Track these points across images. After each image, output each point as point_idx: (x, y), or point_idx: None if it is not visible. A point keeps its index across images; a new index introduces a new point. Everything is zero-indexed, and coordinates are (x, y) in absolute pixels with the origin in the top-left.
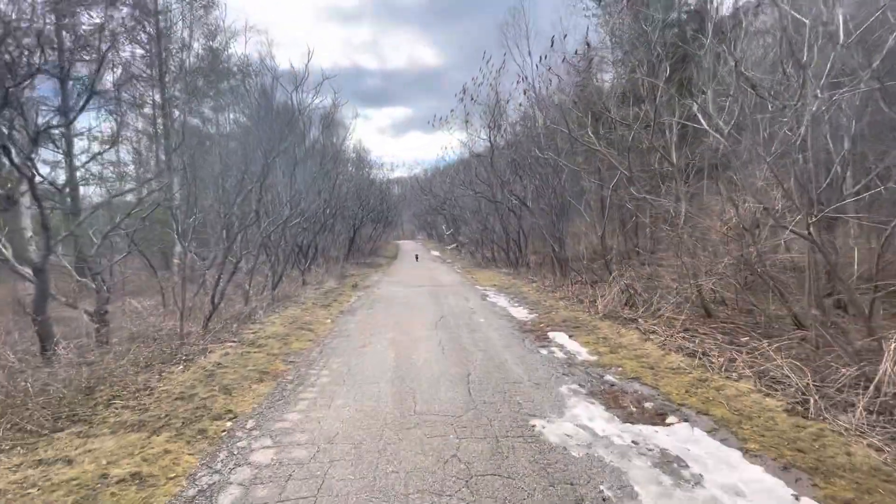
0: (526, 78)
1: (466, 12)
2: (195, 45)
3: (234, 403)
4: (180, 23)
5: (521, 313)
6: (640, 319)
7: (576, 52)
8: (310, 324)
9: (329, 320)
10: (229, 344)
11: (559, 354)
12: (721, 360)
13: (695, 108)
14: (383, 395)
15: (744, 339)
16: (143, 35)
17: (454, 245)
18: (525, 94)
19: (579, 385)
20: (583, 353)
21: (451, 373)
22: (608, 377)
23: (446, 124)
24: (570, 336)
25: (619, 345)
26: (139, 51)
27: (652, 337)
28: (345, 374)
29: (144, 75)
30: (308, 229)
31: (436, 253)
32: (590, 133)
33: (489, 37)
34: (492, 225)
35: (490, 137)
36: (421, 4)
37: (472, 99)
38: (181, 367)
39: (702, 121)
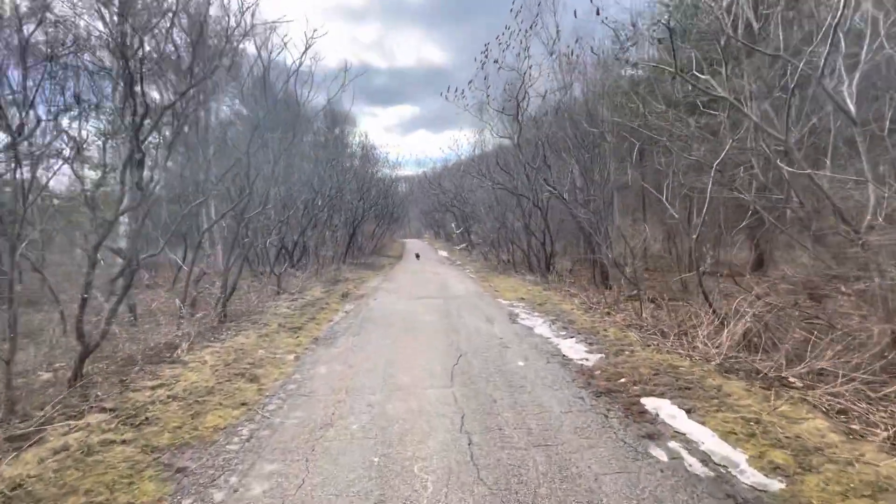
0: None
1: (473, 13)
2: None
3: None
4: None
5: (576, 351)
6: (790, 377)
7: None
8: (258, 365)
9: (292, 356)
10: (93, 417)
11: (695, 466)
12: None
13: None
14: None
15: None
16: None
17: (464, 245)
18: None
19: None
20: (742, 464)
21: None
22: None
23: (462, 98)
24: (689, 412)
25: (803, 444)
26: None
27: (853, 425)
28: None
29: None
30: (285, 223)
31: (444, 253)
32: (702, 76)
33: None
34: (511, 223)
35: (517, 114)
36: (428, 2)
37: (495, 63)
38: None
39: None
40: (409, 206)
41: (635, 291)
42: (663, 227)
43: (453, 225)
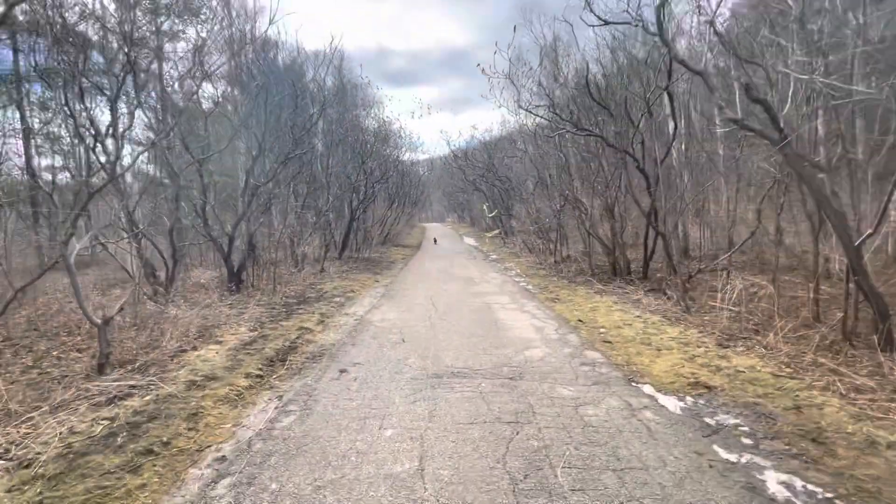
0: None
1: None
2: None
3: None
4: None
5: None
6: None
7: None
8: None
9: None
10: None
11: None
12: None
13: None
14: None
15: None
16: None
17: (496, 232)
18: None
19: None
20: None
21: None
22: None
23: None
24: None
25: None
26: None
27: None
28: None
29: None
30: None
31: (470, 241)
32: None
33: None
34: (589, 203)
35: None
36: None
37: None
38: None
39: None
40: (430, 187)
41: None
42: None
43: (486, 207)
